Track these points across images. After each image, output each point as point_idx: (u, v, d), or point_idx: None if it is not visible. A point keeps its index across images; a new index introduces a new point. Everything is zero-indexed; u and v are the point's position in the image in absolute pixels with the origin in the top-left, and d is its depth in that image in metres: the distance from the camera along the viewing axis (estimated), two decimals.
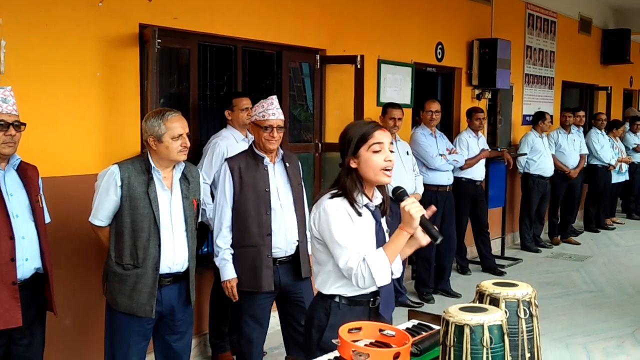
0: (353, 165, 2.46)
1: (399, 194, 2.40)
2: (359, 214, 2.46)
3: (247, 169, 3.46)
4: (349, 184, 2.46)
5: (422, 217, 2.32)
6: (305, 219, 3.63)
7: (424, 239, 2.41)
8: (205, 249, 4.80)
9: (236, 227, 3.49)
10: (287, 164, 3.57)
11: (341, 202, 2.46)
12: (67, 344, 3.78)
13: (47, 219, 3.04)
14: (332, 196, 2.48)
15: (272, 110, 3.45)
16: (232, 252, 3.51)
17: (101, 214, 3.07)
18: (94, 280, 3.59)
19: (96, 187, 3.09)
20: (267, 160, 3.50)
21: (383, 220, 2.59)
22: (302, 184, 3.69)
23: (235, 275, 3.49)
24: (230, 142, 4.34)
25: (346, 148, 2.48)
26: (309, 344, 2.59)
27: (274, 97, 3.53)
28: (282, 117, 3.50)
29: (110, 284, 3.09)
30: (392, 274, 2.57)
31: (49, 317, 3.07)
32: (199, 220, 3.34)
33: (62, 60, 3.67)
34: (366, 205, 2.50)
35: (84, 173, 3.73)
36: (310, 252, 3.64)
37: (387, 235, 2.58)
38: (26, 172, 2.94)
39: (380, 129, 2.48)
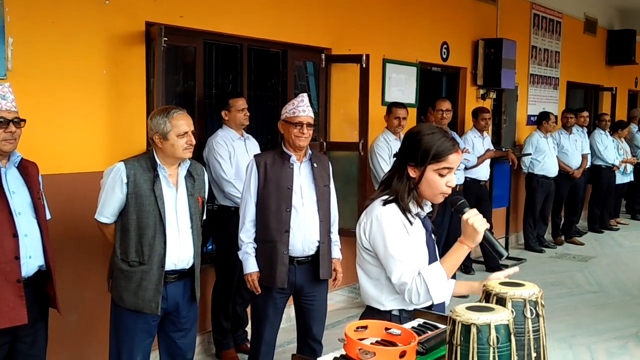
0: (412, 174, 2.30)
1: (459, 205, 2.24)
2: (411, 223, 2.31)
3: (272, 166, 3.48)
4: (402, 192, 2.30)
5: (486, 231, 2.18)
6: (329, 221, 3.62)
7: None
8: (210, 247, 4.82)
9: (258, 222, 3.52)
10: (315, 165, 3.57)
11: (395, 211, 2.29)
12: (73, 340, 3.80)
13: (48, 216, 3.02)
14: (385, 203, 2.31)
15: (302, 107, 3.47)
16: (255, 246, 3.53)
17: (107, 211, 3.07)
18: (99, 276, 3.60)
19: (102, 185, 3.09)
20: (293, 158, 3.50)
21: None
22: (330, 186, 3.67)
23: (256, 269, 3.51)
24: (227, 140, 4.37)
25: (413, 155, 2.28)
26: None
27: (305, 94, 3.55)
28: (312, 114, 3.51)
29: (116, 281, 3.10)
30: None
31: (55, 313, 3.07)
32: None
33: (69, 57, 3.68)
34: (417, 214, 2.36)
35: (90, 170, 3.75)
36: (335, 256, 3.65)
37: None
38: (27, 169, 2.91)
39: (456, 152, 2.27)
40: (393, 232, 2.26)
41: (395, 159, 2.40)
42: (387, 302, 2.36)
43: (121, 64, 3.95)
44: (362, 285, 2.43)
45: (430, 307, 2.40)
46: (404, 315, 2.35)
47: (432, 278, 2.22)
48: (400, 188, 2.31)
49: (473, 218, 2.18)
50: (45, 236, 2.90)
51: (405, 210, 2.30)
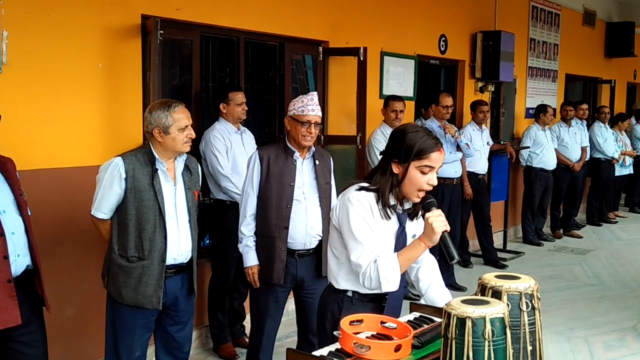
0: (396, 170, 2.39)
1: (427, 204, 2.33)
2: (388, 217, 2.40)
3: (276, 161, 3.46)
4: (384, 186, 2.39)
5: (444, 232, 2.26)
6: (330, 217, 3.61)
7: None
8: (208, 241, 4.81)
9: (258, 216, 3.51)
10: (317, 162, 3.55)
11: (369, 197, 2.38)
12: (69, 334, 3.79)
13: (29, 212, 2.89)
14: (361, 189, 2.40)
15: (311, 106, 3.42)
16: (255, 239, 3.53)
17: (104, 206, 3.04)
18: (95, 271, 3.58)
19: (98, 180, 3.05)
20: (297, 154, 3.48)
21: (409, 225, 2.51)
22: (332, 183, 3.65)
23: (256, 263, 3.51)
24: (224, 134, 4.36)
25: (398, 151, 2.38)
26: (323, 337, 2.53)
27: (315, 93, 3.51)
28: (320, 113, 3.47)
29: (114, 277, 3.06)
30: (402, 281, 2.50)
31: (51, 309, 3.03)
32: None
33: (65, 51, 3.66)
34: (393, 207, 2.43)
35: (86, 164, 3.73)
36: None
37: (410, 240, 2.51)
38: (5, 166, 2.80)
39: (439, 150, 2.40)
40: (359, 216, 2.36)
41: (381, 155, 2.49)
42: (342, 282, 2.48)
43: (117, 57, 3.93)
44: (328, 262, 2.56)
45: (384, 295, 2.47)
46: (356, 297, 2.46)
47: (385, 267, 2.32)
48: (382, 182, 2.40)
49: (434, 218, 2.27)
50: (30, 233, 2.80)
51: (385, 204, 2.39)
